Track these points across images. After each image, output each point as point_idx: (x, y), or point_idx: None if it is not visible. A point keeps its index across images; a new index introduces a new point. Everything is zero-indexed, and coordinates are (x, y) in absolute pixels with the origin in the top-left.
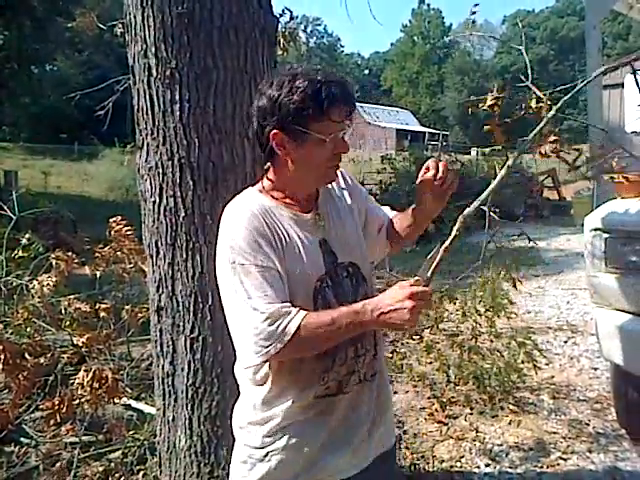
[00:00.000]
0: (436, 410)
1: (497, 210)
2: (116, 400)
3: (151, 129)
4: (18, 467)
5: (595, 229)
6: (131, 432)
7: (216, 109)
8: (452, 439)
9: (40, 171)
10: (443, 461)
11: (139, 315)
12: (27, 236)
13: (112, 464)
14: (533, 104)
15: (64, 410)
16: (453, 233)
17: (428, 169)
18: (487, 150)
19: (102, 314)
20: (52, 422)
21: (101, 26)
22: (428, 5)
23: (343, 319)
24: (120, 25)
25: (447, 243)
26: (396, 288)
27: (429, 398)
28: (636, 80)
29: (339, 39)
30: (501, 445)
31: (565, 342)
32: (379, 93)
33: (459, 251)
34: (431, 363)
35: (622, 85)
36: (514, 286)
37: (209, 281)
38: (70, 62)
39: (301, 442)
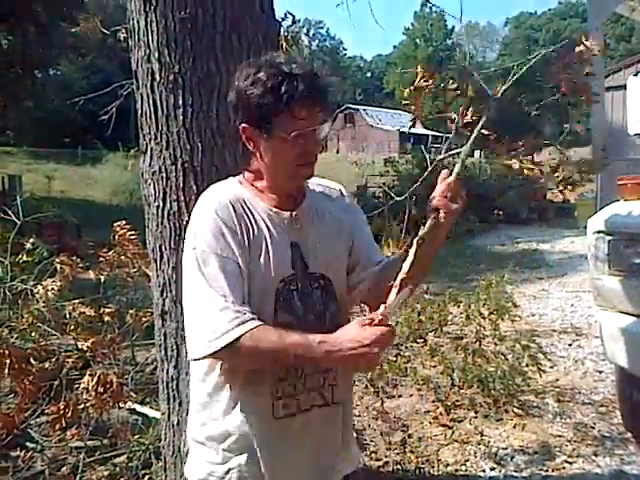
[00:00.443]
0: (440, 414)
1: (501, 213)
2: (121, 404)
3: (154, 133)
4: (24, 472)
5: (598, 231)
6: (136, 436)
7: (219, 113)
8: (457, 443)
9: (44, 175)
10: (448, 465)
11: (143, 319)
12: (31, 241)
13: (117, 468)
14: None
15: (69, 414)
16: (410, 258)
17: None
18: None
19: (106, 318)
20: (57, 426)
21: (104, 31)
22: (430, 8)
23: (292, 349)
24: (123, 30)
25: (405, 269)
26: (356, 327)
27: (433, 401)
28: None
29: (342, 42)
30: (506, 449)
31: (569, 345)
32: (382, 96)
33: (462, 254)
34: (435, 366)
35: (625, 87)
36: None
37: None
38: (74, 67)
39: (262, 458)
